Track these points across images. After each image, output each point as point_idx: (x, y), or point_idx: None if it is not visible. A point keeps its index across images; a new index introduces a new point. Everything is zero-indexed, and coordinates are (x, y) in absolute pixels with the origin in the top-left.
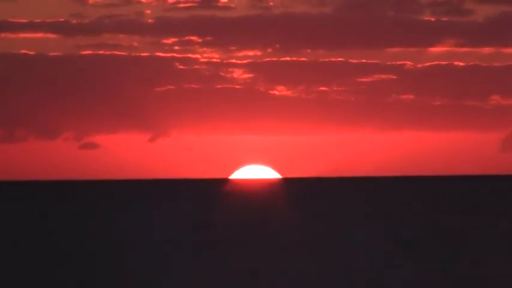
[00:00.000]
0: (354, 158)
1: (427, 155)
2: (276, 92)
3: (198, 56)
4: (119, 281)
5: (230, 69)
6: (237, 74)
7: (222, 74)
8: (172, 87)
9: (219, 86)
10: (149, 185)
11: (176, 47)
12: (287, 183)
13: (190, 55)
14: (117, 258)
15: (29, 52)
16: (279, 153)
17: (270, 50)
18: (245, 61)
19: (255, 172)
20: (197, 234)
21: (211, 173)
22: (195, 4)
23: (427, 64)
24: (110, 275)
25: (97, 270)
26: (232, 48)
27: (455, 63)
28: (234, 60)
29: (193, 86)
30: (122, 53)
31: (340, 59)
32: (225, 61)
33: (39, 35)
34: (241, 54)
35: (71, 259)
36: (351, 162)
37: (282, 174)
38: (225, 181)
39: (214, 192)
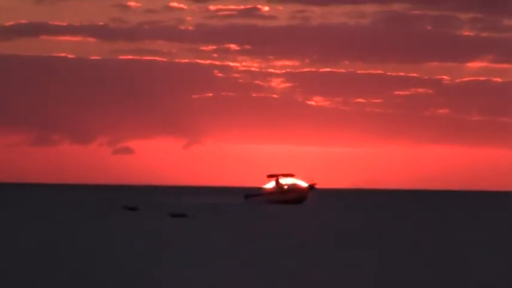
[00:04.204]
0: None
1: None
2: (313, 103)
3: (237, 64)
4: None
5: (268, 78)
6: (275, 83)
7: (260, 82)
8: (210, 94)
9: (257, 95)
10: (181, 191)
11: (215, 55)
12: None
13: (229, 63)
14: (153, 263)
15: (68, 55)
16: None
17: (308, 60)
18: (283, 71)
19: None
20: (229, 244)
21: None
22: (235, 12)
23: (465, 79)
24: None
25: (130, 275)
26: (271, 57)
27: (493, 79)
28: (272, 70)
29: (231, 94)
30: (161, 59)
31: (378, 71)
32: (263, 70)
33: (78, 38)
34: (279, 63)
35: (102, 260)
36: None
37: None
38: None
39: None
